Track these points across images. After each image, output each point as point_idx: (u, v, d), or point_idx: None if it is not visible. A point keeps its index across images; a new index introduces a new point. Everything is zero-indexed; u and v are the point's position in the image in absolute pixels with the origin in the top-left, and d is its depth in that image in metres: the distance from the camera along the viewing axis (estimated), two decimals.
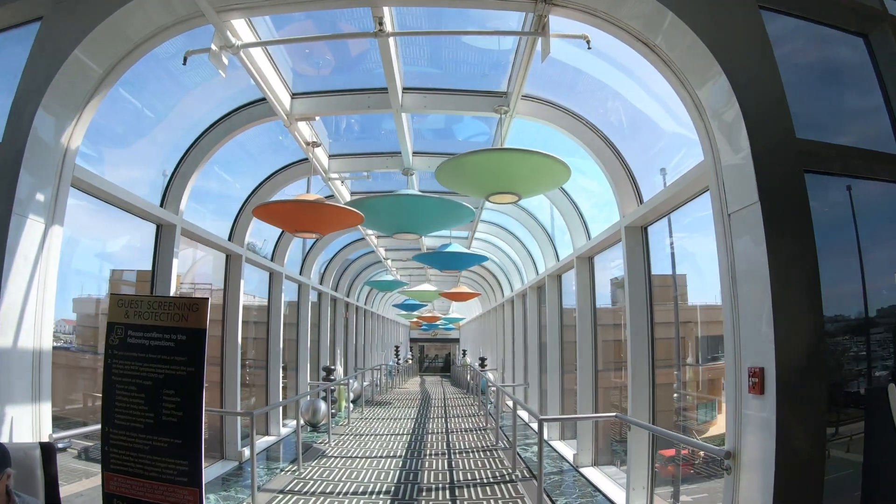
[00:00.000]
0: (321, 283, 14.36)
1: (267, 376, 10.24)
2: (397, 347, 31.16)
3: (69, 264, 6.43)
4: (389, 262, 16.56)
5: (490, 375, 18.02)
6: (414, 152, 8.25)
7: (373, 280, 15.15)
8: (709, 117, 4.44)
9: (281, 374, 10.34)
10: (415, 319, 29.44)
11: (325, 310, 14.60)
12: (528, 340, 12.82)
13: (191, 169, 6.95)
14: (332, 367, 12.89)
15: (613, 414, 6.44)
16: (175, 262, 6.73)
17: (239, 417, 8.13)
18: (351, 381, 14.51)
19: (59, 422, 4.93)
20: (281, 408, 10.36)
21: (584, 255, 8.57)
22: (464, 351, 33.87)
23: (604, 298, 10.17)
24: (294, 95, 6.56)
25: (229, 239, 8.59)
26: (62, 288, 5.06)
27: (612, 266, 8.69)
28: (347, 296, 17.93)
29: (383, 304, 26.91)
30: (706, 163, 4.54)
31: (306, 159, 7.98)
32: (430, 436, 10.88)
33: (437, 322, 28.63)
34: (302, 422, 11.31)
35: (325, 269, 14.61)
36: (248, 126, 6.89)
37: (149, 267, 6.95)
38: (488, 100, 6.47)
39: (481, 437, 10.61)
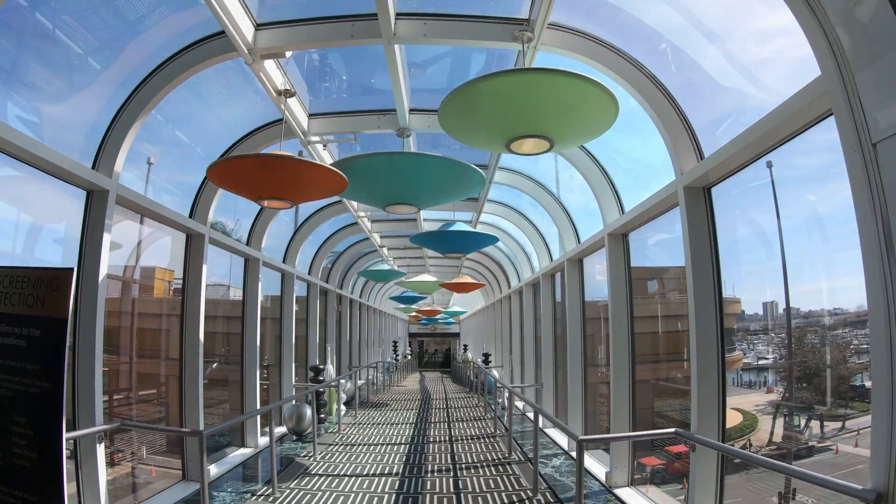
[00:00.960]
0: (309, 274, 12.93)
1: (242, 378, 8.82)
2: (395, 343, 29.77)
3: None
4: (385, 250, 15.14)
5: (495, 373, 16.67)
6: (411, 109, 6.87)
7: (367, 270, 13.75)
8: (828, 13, 3.06)
9: (258, 376, 8.90)
10: (413, 314, 28.12)
11: (314, 302, 13.15)
12: (542, 334, 11.37)
13: (129, 121, 5.51)
14: (321, 367, 11.46)
15: (672, 430, 5.01)
16: (107, 238, 5.30)
17: (204, 420, 6.72)
18: (343, 381, 13.09)
19: None
20: (258, 416, 8.91)
21: (617, 231, 7.14)
22: (465, 346, 32.50)
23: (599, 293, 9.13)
24: (259, 26, 5.13)
25: (190, 216, 7.16)
26: None
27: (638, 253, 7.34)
28: (340, 287, 16.50)
29: (380, 298, 25.47)
30: (826, 80, 3.18)
31: (282, 120, 6.56)
32: (432, 445, 9.47)
33: (437, 316, 27.28)
34: (285, 429, 9.94)
35: (314, 258, 13.17)
36: (201, 66, 5.45)
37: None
38: (505, 27, 5.03)
39: (491, 448, 9.21)
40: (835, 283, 4.39)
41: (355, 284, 19.04)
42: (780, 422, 5.00)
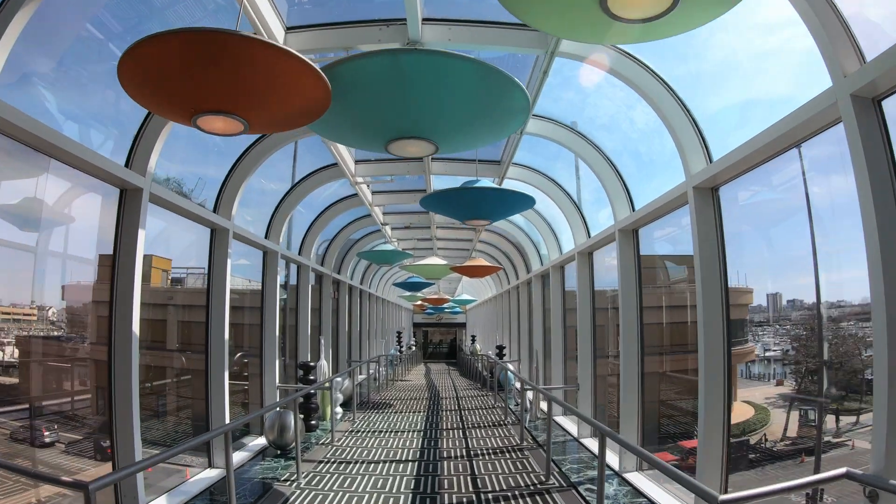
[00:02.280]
0: (300, 254, 11.05)
1: (207, 380, 6.97)
2: (399, 333, 27.94)
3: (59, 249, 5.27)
4: (388, 229, 13.25)
5: (510, 367, 14.86)
6: (425, 18, 5.03)
7: (368, 251, 11.87)
8: None
9: (226, 378, 7.03)
10: (419, 302, 26.29)
11: (305, 287, 11.26)
12: (578, 324, 9.41)
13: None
14: (312, 364, 9.61)
15: (842, 471, 3.13)
16: None
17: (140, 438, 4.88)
18: (340, 379, 11.24)
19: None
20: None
21: (704, 184, 5.25)
22: (473, 337, 30.63)
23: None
24: None
25: (127, 164, 5.29)
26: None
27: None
28: (338, 272, 14.64)
29: (383, 285, 23.59)
30: None
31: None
32: (447, 463, 7.60)
33: (445, 305, 25.43)
34: (265, 442, 8.11)
35: (306, 236, 11.28)
36: None
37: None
38: None
39: (521, 467, 7.36)
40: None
41: (355, 269, 17.18)
42: (794, 415, 4.88)
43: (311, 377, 9.48)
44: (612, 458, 7.45)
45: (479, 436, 9.41)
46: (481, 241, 15.86)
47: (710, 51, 5.51)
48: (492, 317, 24.45)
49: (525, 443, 8.71)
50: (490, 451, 8.30)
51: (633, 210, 7.22)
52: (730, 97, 5.75)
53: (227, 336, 7.03)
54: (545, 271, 12.44)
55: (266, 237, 9.00)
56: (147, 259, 6.70)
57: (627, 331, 7.13)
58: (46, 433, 4.84)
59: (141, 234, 5.23)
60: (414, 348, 33.05)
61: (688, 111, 5.45)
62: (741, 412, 5.57)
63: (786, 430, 4.96)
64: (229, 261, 7.15)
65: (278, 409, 7.98)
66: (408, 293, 22.76)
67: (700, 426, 5.17)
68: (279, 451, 7.94)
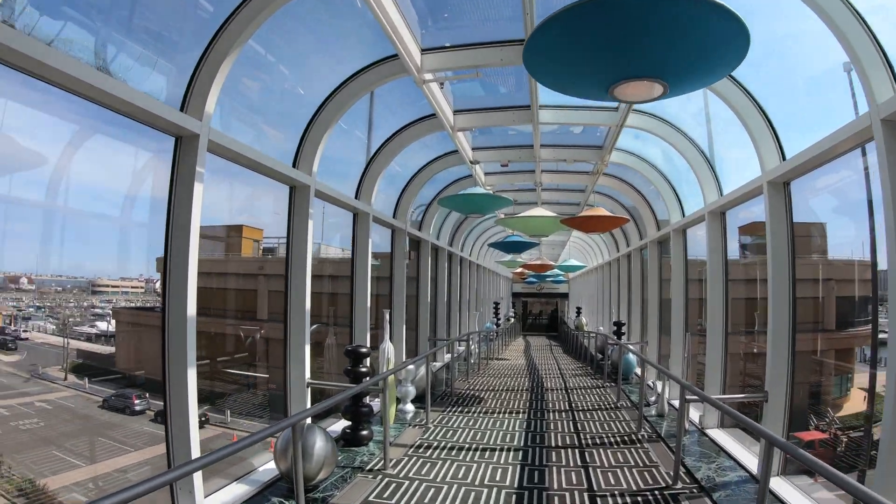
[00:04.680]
0: (357, 198, 8.23)
1: (166, 382, 4.28)
2: (497, 304, 25.00)
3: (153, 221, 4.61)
4: (479, 169, 10.15)
5: (633, 349, 11.68)
6: None
7: (451, 196, 8.89)
8: None
9: (192, 376, 4.30)
10: (519, 269, 23.22)
11: (364, 243, 8.38)
12: (772, 297, 5.90)
13: None
14: (365, 350, 6.78)
15: None
16: None
17: None
18: (412, 367, 8.38)
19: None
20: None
21: None
22: (578, 309, 27.21)
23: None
24: None
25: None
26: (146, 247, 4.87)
27: None
28: (418, 229, 11.78)
29: (479, 247, 20.44)
30: None
31: None
32: None
33: (548, 272, 22.19)
34: (276, 470, 5.39)
35: (365, 172, 8.38)
36: None
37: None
38: None
39: None
40: None
41: (442, 226, 14.21)
42: None
43: (364, 368, 6.67)
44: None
45: (607, 463, 6.26)
46: (596, 190, 12.47)
47: None
48: (601, 286, 20.98)
49: (680, 483, 5.54)
50: (629, 497, 5.18)
51: None
52: None
53: (192, 312, 4.28)
54: (692, 221, 8.99)
55: (294, 165, 6.20)
56: (237, 228, 6.94)
57: None
58: (136, 401, 4.88)
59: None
60: (513, 320, 30.02)
61: None
62: (854, 402, 5.34)
63: None
64: (199, 188, 4.34)
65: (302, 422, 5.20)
66: (507, 257, 19.72)
67: None
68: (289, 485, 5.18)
